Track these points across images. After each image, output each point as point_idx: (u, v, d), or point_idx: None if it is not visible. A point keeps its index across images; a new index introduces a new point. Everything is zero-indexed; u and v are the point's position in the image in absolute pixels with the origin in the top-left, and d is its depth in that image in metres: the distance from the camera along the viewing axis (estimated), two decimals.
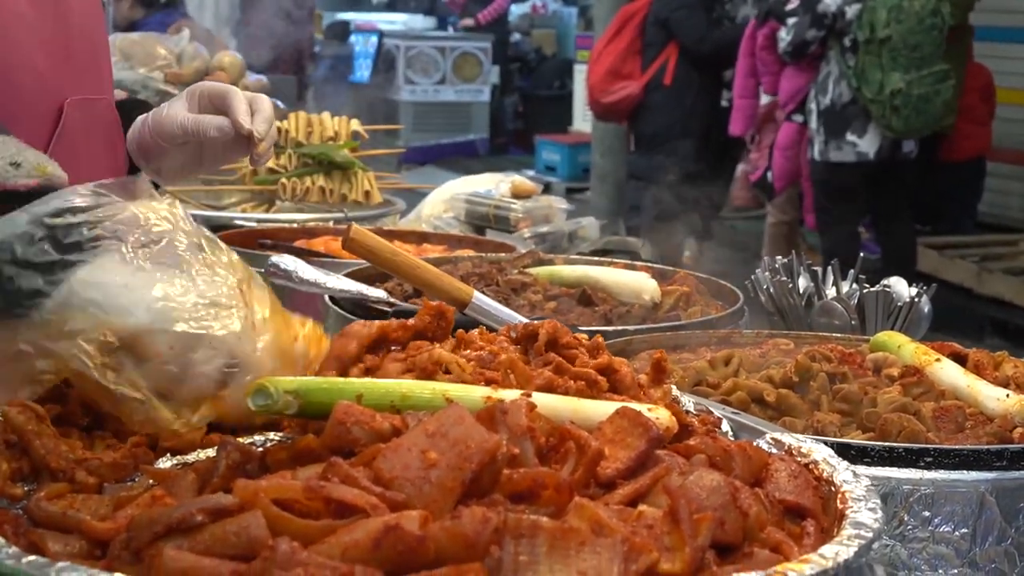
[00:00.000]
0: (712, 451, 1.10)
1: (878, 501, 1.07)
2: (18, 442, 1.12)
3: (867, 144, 6.92)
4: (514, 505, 0.96)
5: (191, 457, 1.16)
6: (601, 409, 1.14)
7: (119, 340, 1.13)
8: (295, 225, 3.30)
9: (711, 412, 1.35)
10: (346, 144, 3.77)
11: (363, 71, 14.63)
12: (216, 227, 3.10)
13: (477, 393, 1.14)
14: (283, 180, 3.70)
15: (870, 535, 1.00)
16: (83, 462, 1.10)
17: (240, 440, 1.13)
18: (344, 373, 1.25)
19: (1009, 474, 1.44)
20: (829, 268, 2.38)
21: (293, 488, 0.94)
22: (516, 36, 16.75)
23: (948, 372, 1.71)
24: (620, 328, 2.11)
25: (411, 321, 1.33)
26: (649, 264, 2.74)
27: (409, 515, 0.90)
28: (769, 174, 7.98)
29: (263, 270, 2.08)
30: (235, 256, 1.26)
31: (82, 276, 1.15)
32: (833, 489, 1.12)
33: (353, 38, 14.98)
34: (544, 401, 1.14)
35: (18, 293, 1.15)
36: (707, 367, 1.80)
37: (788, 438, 1.23)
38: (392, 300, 2.12)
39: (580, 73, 12.20)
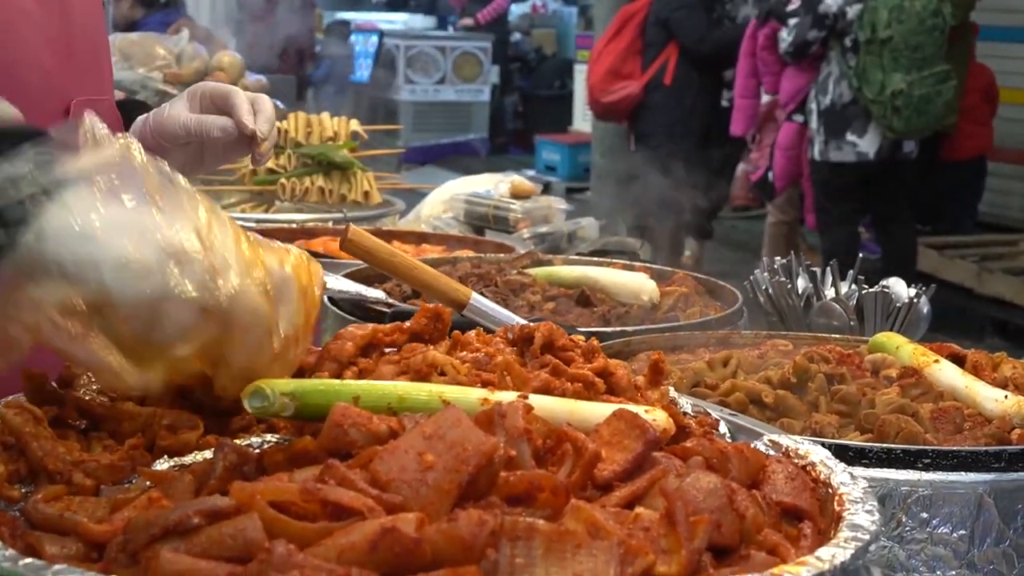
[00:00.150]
0: (709, 453, 1.10)
1: (875, 503, 1.07)
2: (15, 444, 1.12)
3: (867, 144, 6.92)
4: (511, 508, 0.96)
5: (188, 459, 1.16)
6: (598, 411, 1.14)
7: (86, 304, 1.08)
8: (294, 225, 3.30)
9: (709, 414, 1.35)
10: (345, 144, 3.77)
11: (363, 71, 14.63)
12: None
13: (474, 395, 1.14)
14: (282, 180, 3.70)
15: (867, 537, 1.00)
16: (80, 464, 1.10)
17: (237, 442, 1.13)
18: (340, 375, 1.25)
19: (1007, 475, 1.44)
20: (828, 269, 2.38)
21: (290, 490, 0.94)
22: (516, 36, 16.76)
23: (946, 373, 1.71)
24: (619, 329, 2.11)
25: (407, 324, 1.33)
26: (648, 265, 2.74)
27: (405, 517, 0.90)
28: (770, 174, 7.98)
29: None
30: (197, 195, 1.16)
31: (43, 229, 1.07)
32: (830, 491, 1.11)
33: (353, 38, 14.99)
34: (541, 403, 1.14)
35: None
36: (705, 368, 1.80)
37: (785, 440, 1.23)
38: (391, 301, 2.12)
39: (580, 73, 12.21)
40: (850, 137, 6.95)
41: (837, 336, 2.05)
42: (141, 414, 1.19)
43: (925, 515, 1.43)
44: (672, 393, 1.35)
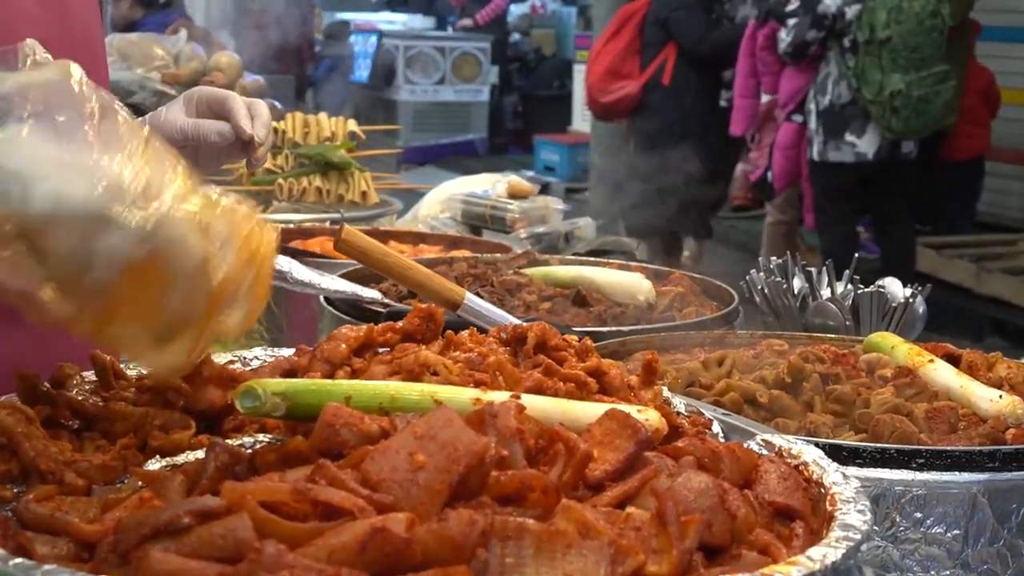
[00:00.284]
0: (701, 453, 1.10)
1: (867, 503, 1.07)
2: (7, 444, 1.12)
3: (866, 144, 6.92)
4: (502, 507, 0.96)
5: (180, 459, 1.16)
6: (590, 411, 1.14)
7: (16, 228, 1.03)
8: (291, 225, 3.30)
9: (702, 413, 1.35)
10: (343, 144, 3.77)
11: (362, 71, 14.64)
12: None
13: (466, 395, 1.14)
14: (280, 181, 3.70)
15: (859, 537, 1.00)
16: (72, 464, 1.10)
17: (229, 442, 1.13)
18: (332, 375, 1.25)
19: (1001, 475, 1.44)
20: (824, 269, 2.38)
21: (280, 490, 0.94)
22: (515, 36, 16.76)
23: (941, 373, 1.71)
24: (614, 329, 2.11)
25: (399, 324, 1.33)
26: (644, 265, 2.74)
27: (396, 517, 0.90)
28: (769, 174, 7.98)
29: None
30: (133, 120, 1.12)
31: None
32: (823, 491, 1.11)
33: (353, 38, 14.99)
34: (533, 403, 1.14)
35: None
36: (700, 368, 1.80)
37: (778, 439, 1.23)
38: (386, 301, 2.12)
39: (579, 73, 12.21)
40: (849, 137, 6.95)
41: (832, 336, 2.05)
42: (133, 414, 1.19)
43: (919, 515, 1.43)
44: (666, 393, 1.35)
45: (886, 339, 1.85)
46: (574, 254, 3.26)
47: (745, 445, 1.19)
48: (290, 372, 1.33)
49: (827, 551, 0.96)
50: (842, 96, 6.92)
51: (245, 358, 1.46)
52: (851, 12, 6.81)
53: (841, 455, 1.42)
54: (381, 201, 3.79)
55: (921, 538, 1.43)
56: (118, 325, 1.11)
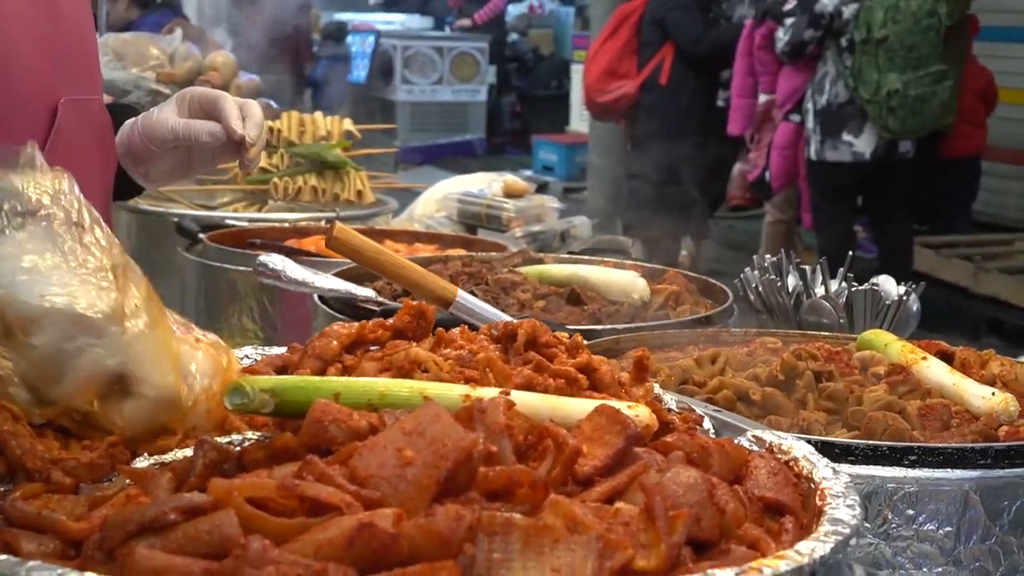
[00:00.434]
0: (690, 448, 1.09)
1: (856, 498, 1.06)
2: None
3: (863, 144, 6.92)
4: (490, 503, 0.96)
5: (168, 457, 1.15)
6: (580, 407, 1.14)
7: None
8: (286, 225, 3.30)
9: (693, 410, 1.35)
10: (338, 144, 3.77)
11: (360, 71, 14.63)
12: (207, 226, 3.10)
13: (456, 391, 1.14)
14: (275, 180, 3.70)
15: (847, 531, 1.00)
16: (59, 462, 1.09)
17: (217, 439, 1.12)
18: (323, 372, 1.25)
19: (993, 472, 1.44)
20: (818, 267, 2.37)
21: (267, 486, 0.94)
22: (513, 36, 16.75)
23: (934, 370, 1.71)
24: (608, 327, 2.11)
25: (390, 321, 1.33)
26: (639, 263, 2.74)
27: (383, 513, 0.90)
28: (767, 173, 7.98)
29: (252, 269, 2.09)
30: (116, 241, 1.17)
31: None
32: (812, 486, 1.11)
33: (350, 38, 14.99)
34: (523, 399, 1.13)
35: None
36: (693, 366, 1.80)
37: (769, 435, 1.23)
38: (380, 299, 2.11)
39: (577, 73, 12.19)
40: (846, 137, 6.95)
41: (826, 334, 2.05)
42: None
43: (911, 512, 1.43)
44: (657, 389, 1.35)
45: (879, 337, 1.85)
46: (569, 252, 3.26)
47: (735, 441, 1.19)
48: (282, 369, 1.33)
49: (815, 545, 0.96)
50: (839, 96, 6.92)
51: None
52: (848, 11, 6.81)
53: (833, 452, 1.42)
54: (377, 200, 3.78)
55: (913, 535, 1.43)
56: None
